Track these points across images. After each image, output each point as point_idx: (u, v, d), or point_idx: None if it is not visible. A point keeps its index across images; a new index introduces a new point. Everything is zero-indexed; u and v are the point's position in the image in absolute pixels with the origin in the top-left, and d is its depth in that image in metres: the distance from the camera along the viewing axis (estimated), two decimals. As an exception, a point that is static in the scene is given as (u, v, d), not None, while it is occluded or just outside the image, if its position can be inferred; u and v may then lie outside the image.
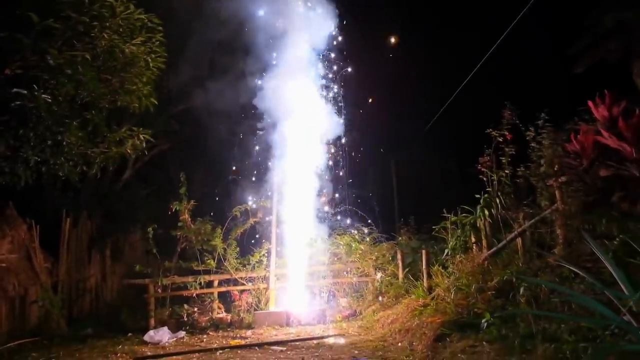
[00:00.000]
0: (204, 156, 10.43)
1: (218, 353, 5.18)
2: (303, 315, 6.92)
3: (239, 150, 9.12)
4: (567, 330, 3.10)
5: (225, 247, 7.48)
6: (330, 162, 8.71)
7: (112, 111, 5.71)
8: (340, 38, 8.52)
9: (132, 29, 4.85)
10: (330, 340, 5.52)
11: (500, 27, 8.22)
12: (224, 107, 8.69)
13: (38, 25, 4.00)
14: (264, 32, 8.06)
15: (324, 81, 8.41)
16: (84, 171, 5.48)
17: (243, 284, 7.41)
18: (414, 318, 5.09)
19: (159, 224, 7.46)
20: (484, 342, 3.67)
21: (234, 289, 7.36)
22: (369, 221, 8.46)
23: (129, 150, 5.57)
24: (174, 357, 5.16)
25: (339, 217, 8.79)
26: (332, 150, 8.79)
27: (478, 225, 5.61)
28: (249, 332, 6.40)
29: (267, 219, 8.02)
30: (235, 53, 8.39)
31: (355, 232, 8.20)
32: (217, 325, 6.82)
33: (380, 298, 6.98)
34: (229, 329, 6.70)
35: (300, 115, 7.91)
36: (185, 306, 7.00)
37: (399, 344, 4.83)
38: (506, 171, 5.35)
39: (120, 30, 4.69)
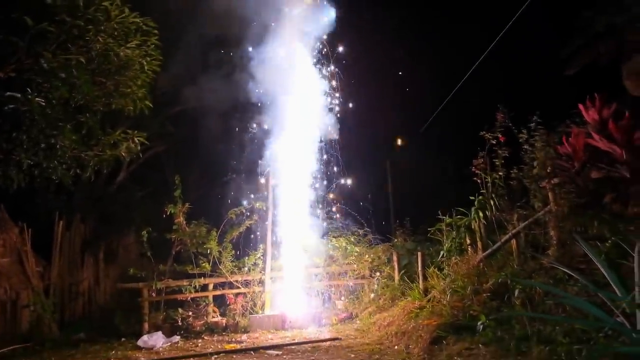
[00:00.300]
0: (199, 158, 10.39)
1: (213, 358, 5.15)
2: (299, 318, 6.90)
3: (234, 148, 9.10)
4: (562, 332, 3.13)
5: (221, 250, 7.44)
6: (325, 164, 8.73)
7: (107, 114, 5.67)
8: (335, 36, 8.55)
9: (127, 33, 4.84)
10: (327, 344, 5.52)
11: (493, 29, 8.32)
12: (218, 108, 8.68)
13: (33, 28, 3.97)
14: (258, 29, 8.06)
15: (319, 79, 8.41)
16: (77, 174, 5.43)
17: (238, 287, 7.38)
18: (410, 320, 5.11)
19: (154, 227, 7.41)
20: (480, 345, 3.69)
21: (229, 293, 7.33)
22: (365, 223, 8.49)
23: (123, 153, 5.54)
24: (169, 362, 5.12)
25: (334, 219, 8.80)
26: (327, 151, 8.81)
27: (473, 227, 5.65)
28: (244, 336, 6.37)
29: (262, 221, 8.00)
30: (229, 51, 8.37)
31: (351, 234, 8.22)
32: (212, 329, 6.77)
33: (375, 298, 6.99)
34: (224, 333, 6.67)
35: (295, 115, 7.93)
36: (180, 310, 6.95)
37: (396, 346, 4.85)
38: (500, 173, 5.40)
39: (115, 33, 4.68)
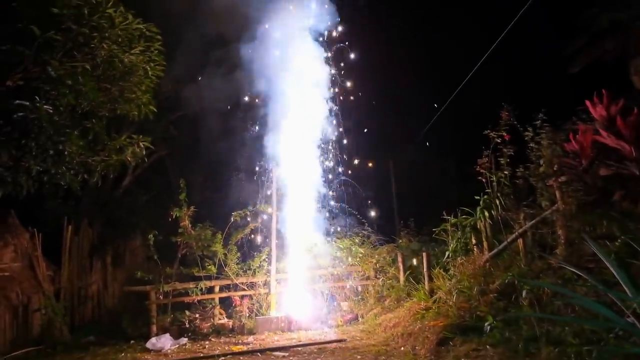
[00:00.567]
0: (202, 161, 10.45)
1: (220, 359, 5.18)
2: (304, 320, 6.91)
3: (238, 150, 9.13)
4: (571, 333, 3.10)
5: (226, 252, 7.48)
6: (329, 164, 8.73)
7: (112, 119, 5.74)
8: (338, 33, 8.54)
9: (131, 39, 4.89)
10: (332, 345, 5.52)
11: (498, 27, 8.27)
12: (220, 110, 8.71)
13: (40, 37, 4.03)
14: (259, 28, 8.08)
15: (322, 80, 8.41)
16: (84, 179, 5.50)
17: (244, 289, 7.41)
18: (416, 322, 5.09)
19: (159, 230, 7.46)
20: (488, 346, 3.67)
21: (235, 295, 7.36)
22: (369, 224, 8.47)
23: (129, 158, 5.60)
24: (177, 364, 5.16)
25: (338, 221, 8.80)
26: (331, 152, 8.81)
27: (478, 226, 5.62)
28: (250, 338, 6.39)
29: (267, 223, 8.03)
30: (230, 52, 8.40)
31: (355, 235, 8.21)
32: (218, 331, 6.81)
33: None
34: (230, 335, 6.69)
35: (299, 117, 7.94)
36: (187, 312, 6.99)
37: (402, 348, 4.83)
38: (505, 172, 5.37)
39: (119, 40, 4.73)
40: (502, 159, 5.38)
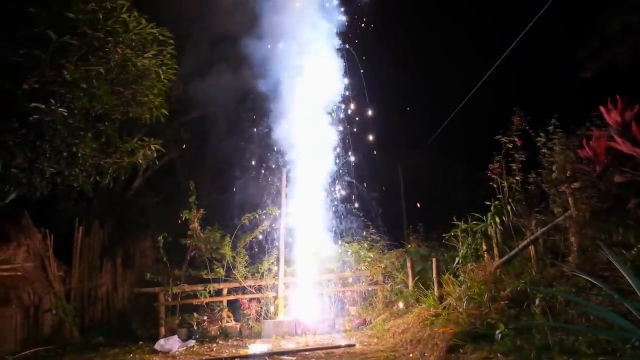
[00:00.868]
0: (212, 162, 10.52)
1: (229, 363, 5.18)
2: (312, 324, 6.88)
3: (247, 153, 9.18)
4: (585, 343, 3.04)
5: (235, 255, 7.50)
6: (339, 169, 8.73)
7: (124, 122, 5.81)
8: (348, 43, 8.58)
9: (144, 43, 4.96)
10: (340, 350, 5.48)
11: (511, 32, 8.20)
12: (230, 112, 8.75)
13: (56, 41, 4.11)
14: (270, 31, 8.13)
15: (334, 84, 8.42)
16: (96, 181, 5.57)
17: (252, 293, 7.42)
18: (425, 328, 5.04)
19: (169, 232, 7.53)
20: (499, 354, 3.61)
21: (243, 298, 7.37)
22: (378, 228, 8.43)
23: (140, 160, 5.66)
24: (185, 366, 5.17)
25: (347, 225, 8.77)
26: (341, 156, 8.81)
27: (489, 232, 5.55)
28: (258, 342, 6.39)
29: (276, 226, 8.04)
30: (241, 55, 8.47)
31: (364, 239, 8.17)
32: (226, 334, 6.82)
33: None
34: (238, 338, 6.70)
35: (309, 121, 7.96)
36: (195, 315, 7.02)
37: (411, 354, 4.78)
38: (517, 177, 5.29)
39: (133, 44, 4.81)
40: (513, 165, 5.31)
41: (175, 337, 6.39)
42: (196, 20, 8.38)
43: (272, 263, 7.59)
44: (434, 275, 5.85)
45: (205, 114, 9.55)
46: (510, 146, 5.33)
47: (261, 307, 7.29)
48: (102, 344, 6.52)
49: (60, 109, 4.35)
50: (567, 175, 4.71)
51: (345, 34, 8.59)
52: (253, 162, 9.37)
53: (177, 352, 5.94)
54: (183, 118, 9.83)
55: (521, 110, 5.40)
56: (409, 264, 7.01)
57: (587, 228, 4.33)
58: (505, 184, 5.36)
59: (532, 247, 4.78)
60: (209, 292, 7.19)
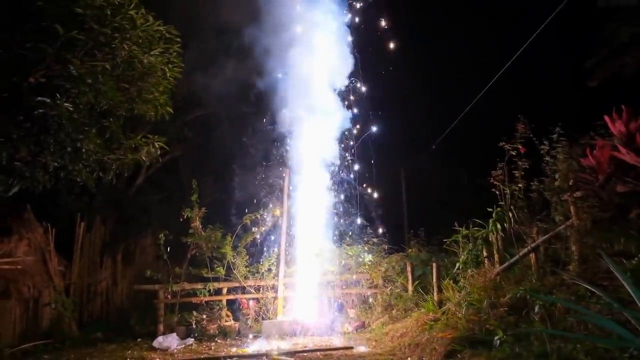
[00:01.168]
0: (214, 161, 10.55)
1: (226, 362, 5.18)
2: (311, 326, 6.87)
3: (250, 153, 9.19)
4: (584, 351, 3.02)
5: (235, 254, 7.51)
6: (341, 171, 8.74)
7: (128, 118, 5.83)
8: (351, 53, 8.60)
9: (151, 40, 4.99)
10: (339, 352, 5.47)
11: (517, 40, 8.21)
12: (234, 112, 8.76)
13: (63, 36, 4.14)
14: (280, 34, 8.16)
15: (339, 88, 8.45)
16: (99, 177, 5.60)
17: (252, 292, 7.42)
18: (424, 332, 5.03)
19: (170, 230, 7.55)
20: (497, 360, 3.60)
21: (243, 297, 7.38)
22: (379, 232, 8.42)
23: (143, 157, 5.68)
24: (182, 364, 5.17)
25: (348, 227, 8.77)
26: (343, 159, 8.82)
27: (490, 239, 5.54)
28: (256, 341, 6.38)
29: (277, 227, 8.05)
30: (249, 56, 8.50)
31: (365, 242, 8.17)
32: (225, 333, 6.82)
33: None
34: (237, 337, 6.70)
35: (313, 123, 7.98)
36: (194, 313, 7.02)
37: (409, 358, 4.76)
38: (519, 185, 5.29)
39: (140, 41, 4.83)
40: (516, 172, 5.30)
41: (174, 334, 6.39)
42: (202, 17, 8.41)
43: (273, 263, 7.60)
44: (434, 280, 5.84)
45: (209, 112, 9.58)
46: (514, 153, 5.33)
47: (260, 307, 7.29)
48: (100, 339, 6.54)
49: (65, 104, 4.37)
50: (570, 183, 4.70)
51: (351, 42, 8.61)
52: (257, 162, 9.39)
53: (175, 350, 5.94)
54: (187, 116, 9.88)
55: (525, 118, 5.41)
56: (409, 268, 7.00)
57: (588, 237, 4.31)
58: (508, 191, 5.36)
59: (532, 255, 4.76)
60: (209, 290, 7.20)
